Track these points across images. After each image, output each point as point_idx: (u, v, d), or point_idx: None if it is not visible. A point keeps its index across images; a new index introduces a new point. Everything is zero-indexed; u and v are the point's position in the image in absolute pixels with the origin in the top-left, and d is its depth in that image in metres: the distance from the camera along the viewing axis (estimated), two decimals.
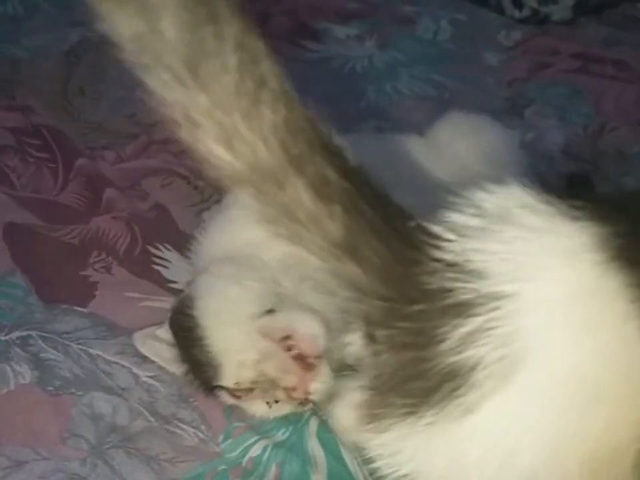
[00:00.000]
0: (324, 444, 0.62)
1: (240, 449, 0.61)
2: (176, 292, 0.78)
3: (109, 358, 0.69)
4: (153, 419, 0.64)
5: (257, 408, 0.62)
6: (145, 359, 0.69)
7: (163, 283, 0.80)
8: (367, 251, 0.40)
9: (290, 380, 0.58)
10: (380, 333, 0.41)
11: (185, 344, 0.64)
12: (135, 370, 0.68)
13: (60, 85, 1.29)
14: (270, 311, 0.61)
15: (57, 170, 1.00)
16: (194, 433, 0.63)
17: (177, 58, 0.39)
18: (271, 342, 0.60)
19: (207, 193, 1.00)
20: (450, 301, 0.38)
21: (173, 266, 0.82)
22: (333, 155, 0.42)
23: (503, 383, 0.37)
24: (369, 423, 0.42)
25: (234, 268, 0.65)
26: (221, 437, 0.62)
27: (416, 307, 0.39)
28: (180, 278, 0.80)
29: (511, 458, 0.38)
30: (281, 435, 0.62)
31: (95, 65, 1.38)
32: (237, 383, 0.61)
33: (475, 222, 0.40)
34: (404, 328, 0.40)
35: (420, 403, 0.39)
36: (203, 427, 0.63)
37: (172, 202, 0.98)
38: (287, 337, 0.59)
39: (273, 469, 0.60)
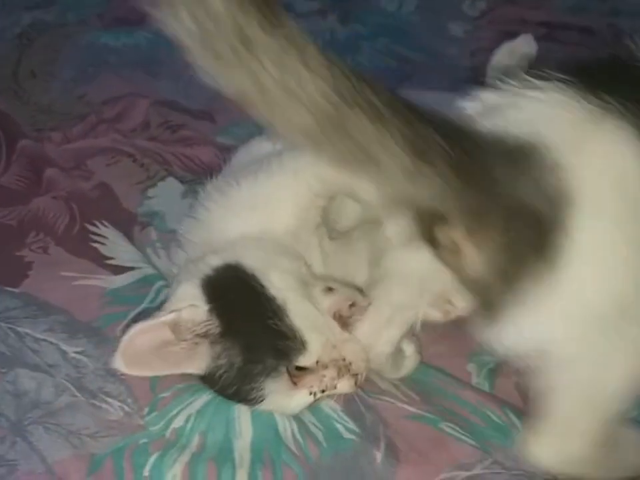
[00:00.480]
0: (251, 410, 0.61)
1: (164, 421, 0.60)
2: (113, 268, 0.78)
3: (37, 336, 0.68)
4: (79, 394, 0.62)
5: (301, 397, 0.60)
6: (73, 334, 0.68)
7: (100, 260, 0.79)
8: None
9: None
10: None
11: (251, 318, 0.59)
12: (63, 346, 0.67)
13: (11, 67, 1.27)
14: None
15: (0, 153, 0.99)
16: (120, 406, 0.62)
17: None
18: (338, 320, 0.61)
19: (153, 170, 1.00)
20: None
21: (109, 242, 0.81)
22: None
23: None
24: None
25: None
26: (146, 410, 0.61)
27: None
28: (117, 254, 0.79)
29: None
30: (206, 399, 0.61)
31: (47, 48, 1.36)
32: (317, 362, 0.59)
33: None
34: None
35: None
36: (129, 400, 0.62)
37: (117, 180, 0.97)
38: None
39: (196, 439, 0.59)
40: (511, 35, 1.50)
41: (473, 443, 0.61)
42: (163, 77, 1.30)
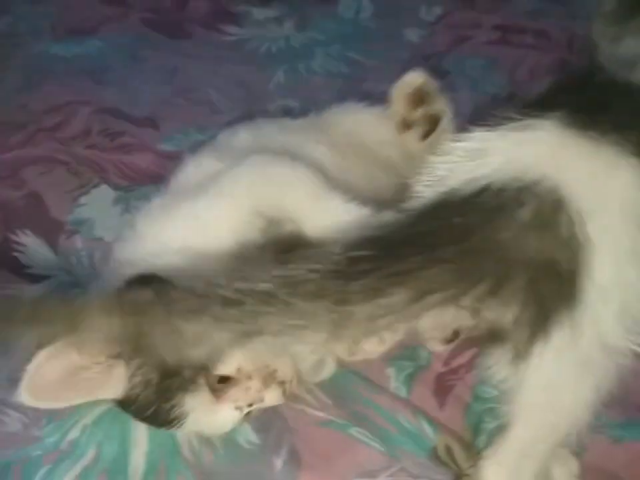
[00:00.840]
0: None
1: (60, 433, 0.59)
2: (30, 277, 0.77)
3: None
4: None
5: (226, 413, 0.57)
6: None
7: (18, 270, 0.78)
8: None
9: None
10: None
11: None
12: None
13: None
14: None
15: None
16: (19, 418, 0.60)
17: None
18: None
19: (87, 178, 0.99)
20: None
21: (29, 250, 0.80)
22: None
23: None
24: None
25: None
26: (44, 421, 0.60)
27: None
28: (35, 262, 0.78)
29: None
30: (104, 408, 0.59)
31: None
32: (239, 371, 0.56)
33: None
34: None
35: None
36: (29, 412, 0.60)
37: (48, 189, 0.95)
38: None
39: (91, 451, 0.57)
40: (466, 39, 1.51)
41: (382, 449, 0.59)
42: (109, 85, 1.30)
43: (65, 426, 0.59)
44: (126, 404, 0.56)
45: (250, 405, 0.57)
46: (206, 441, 0.59)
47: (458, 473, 0.58)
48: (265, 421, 0.62)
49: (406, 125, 0.79)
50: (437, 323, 0.61)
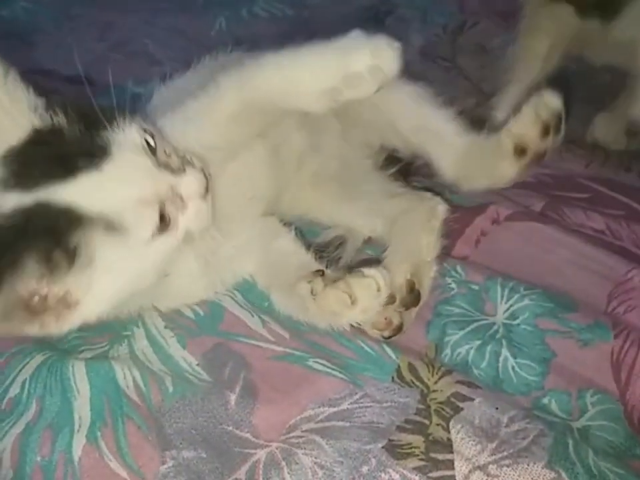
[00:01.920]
0: (87, 364, 0.56)
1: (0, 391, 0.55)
2: None
3: None
4: None
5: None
6: None
7: None
8: None
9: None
10: None
11: None
12: None
13: None
14: None
15: None
16: None
17: None
18: None
19: None
20: None
21: None
22: None
23: None
24: None
25: None
26: None
27: None
28: None
29: None
30: (39, 360, 0.56)
31: None
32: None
33: None
34: None
35: None
36: None
37: None
38: None
39: (34, 405, 0.54)
40: None
41: (342, 377, 0.57)
42: (40, 45, 1.23)
43: (4, 384, 0.55)
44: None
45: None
46: (153, 376, 0.56)
47: (424, 390, 0.56)
48: (217, 360, 0.59)
49: (521, 151, 0.67)
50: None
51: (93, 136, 0.51)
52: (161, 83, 0.83)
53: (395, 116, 0.76)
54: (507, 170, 0.69)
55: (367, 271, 0.58)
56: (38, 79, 1.08)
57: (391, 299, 0.60)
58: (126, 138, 0.53)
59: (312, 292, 0.58)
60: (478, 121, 1.00)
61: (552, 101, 0.66)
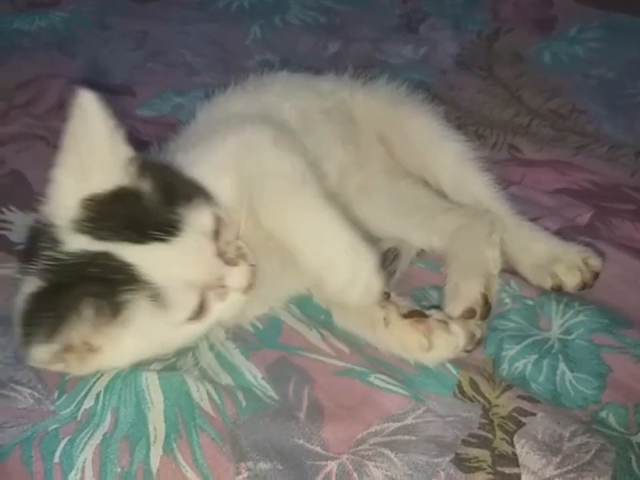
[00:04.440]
0: (160, 376, 0.58)
1: (74, 404, 0.57)
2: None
3: None
4: None
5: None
6: None
7: (8, 248, 0.75)
8: None
9: None
10: None
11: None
12: None
13: None
14: None
15: None
16: (30, 393, 0.58)
17: None
18: None
19: None
20: None
21: (16, 227, 0.77)
22: None
23: None
24: None
25: None
26: (56, 394, 0.58)
27: None
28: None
29: None
30: (112, 373, 0.58)
31: None
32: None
33: None
34: None
35: None
36: (39, 386, 0.59)
37: (30, 166, 0.92)
38: None
39: (109, 417, 0.56)
40: None
41: (404, 392, 0.58)
42: (79, 56, 1.25)
43: (78, 396, 0.57)
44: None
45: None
46: (225, 390, 0.58)
47: (486, 404, 0.57)
48: (281, 374, 0.60)
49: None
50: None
51: (170, 210, 0.55)
52: (203, 99, 0.85)
53: (438, 171, 0.79)
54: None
55: (453, 327, 0.60)
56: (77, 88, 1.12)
57: (472, 313, 0.62)
58: (198, 220, 0.56)
59: (385, 320, 0.60)
60: (519, 131, 1.01)
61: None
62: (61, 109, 1.07)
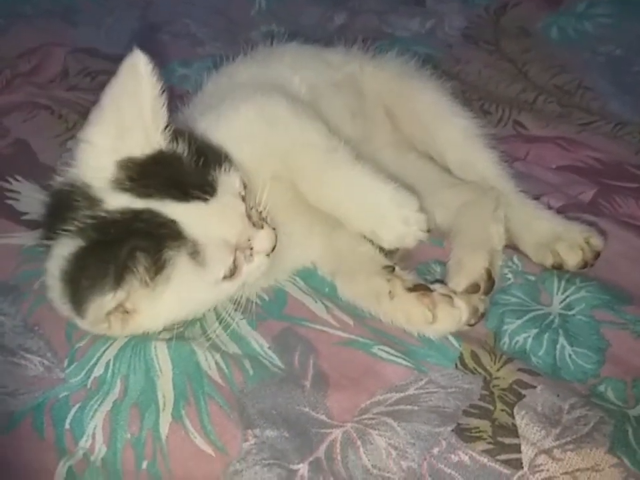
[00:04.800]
0: (169, 345, 0.59)
1: (84, 371, 0.58)
2: (29, 223, 0.74)
3: None
4: None
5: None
6: None
7: (16, 217, 0.75)
8: None
9: None
10: None
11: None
12: None
13: None
14: None
15: None
16: (40, 361, 0.59)
17: None
18: None
19: (72, 120, 0.95)
20: None
21: (23, 197, 0.77)
22: None
23: None
24: None
25: None
26: (66, 362, 0.59)
27: None
28: (32, 208, 0.75)
29: None
30: (122, 342, 0.59)
31: None
32: None
33: None
34: None
35: None
36: (49, 354, 0.60)
37: (34, 135, 0.91)
38: None
39: (118, 384, 0.57)
40: None
41: (407, 364, 0.60)
42: (81, 24, 1.23)
43: (88, 365, 0.58)
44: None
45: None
46: (232, 359, 0.59)
47: (487, 377, 0.59)
48: (286, 344, 0.61)
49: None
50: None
51: (205, 172, 0.57)
52: (211, 69, 0.84)
53: (444, 147, 0.79)
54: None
55: (457, 301, 0.61)
56: (83, 58, 1.11)
57: (475, 288, 0.63)
58: (229, 182, 0.58)
59: (390, 293, 0.61)
60: (524, 107, 1.01)
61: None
62: (66, 78, 1.06)
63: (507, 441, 0.53)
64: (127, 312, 0.55)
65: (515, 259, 0.70)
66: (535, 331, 0.63)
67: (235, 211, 0.57)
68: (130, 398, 0.56)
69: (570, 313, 0.65)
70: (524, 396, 0.56)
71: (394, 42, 1.10)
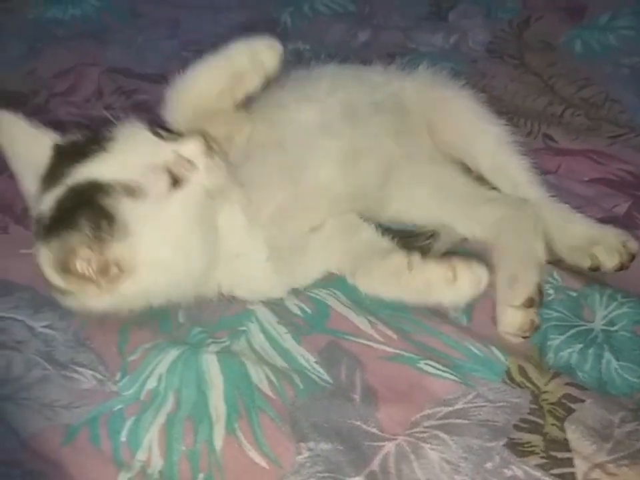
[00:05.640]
0: (219, 359, 0.60)
1: (137, 384, 0.59)
2: None
3: (2, 314, 0.66)
4: (50, 367, 0.61)
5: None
6: (38, 309, 0.67)
7: None
8: None
9: None
10: None
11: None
12: (30, 322, 0.65)
13: None
14: None
15: None
16: (92, 375, 0.61)
17: None
18: None
19: None
20: None
21: None
22: None
23: None
24: None
25: None
26: (118, 375, 0.60)
27: None
28: None
29: None
30: (174, 355, 0.60)
31: None
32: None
33: None
34: None
35: None
36: (100, 368, 0.61)
37: None
38: None
39: (171, 398, 0.58)
40: None
41: (454, 378, 0.60)
42: (113, 44, 1.26)
43: (140, 378, 0.60)
44: None
45: None
46: (282, 373, 0.60)
47: (535, 391, 0.59)
48: (332, 358, 0.62)
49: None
50: None
51: (100, 134, 0.62)
52: None
53: (478, 154, 0.81)
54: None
55: (476, 267, 0.62)
56: (117, 77, 1.14)
57: (531, 302, 0.65)
58: (130, 128, 0.63)
59: (408, 264, 0.63)
60: (552, 120, 1.02)
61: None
62: (101, 97, 1.09)
63: (560, 455, 0.53)
64: (120, 271, 0.58)
65: (555, 275, 0.71)
66: (579, 346, 0.64)
67: (139, 140, 0.61)
68: (183, 411, 0.57)
69: (613, 329, 0.65)
70: (574, 410, 0.57)
71: (420, 57, 1.12)
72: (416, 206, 0.77)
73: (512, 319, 0.64)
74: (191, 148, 0.62)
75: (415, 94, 0.82)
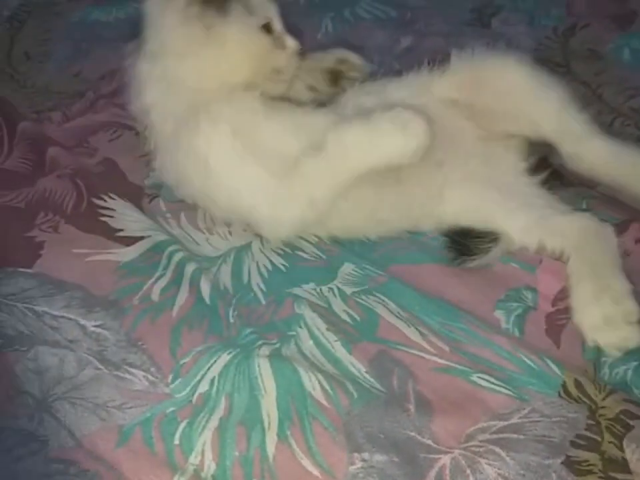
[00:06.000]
0: (272, 364, 0.60)
1: (189, 387, 0.59)
2: (123, 240, 0.77)
3: (55, 313, 0.67)
4: (102, 367, 0.62)
5: None
6: (91, 309, 0.67)
7: (110, 234, 0.78)
8: None
9: None
10: None
11: None
12: (82, 321, 0.66)
13: (4, 51, 1.25)
14: None
15: (1, 138, 0.97)
16: (144, 376, 0.61)
17: None
18: None
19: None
20: None
21: (117, 214, 0.80)
22: None
23: None
24: None
25: None
26: (170, 377, 0.61)
27: None
28: (126, 225, 0.78)
29: None
30: (226, 360, 0.60)
31: (38, 28, 1.33)
32: None
33: None
34: None
35: None
36: (152, 369, 0.62)
37: (121, 155, 0.95)
38: None
39: (223, 402, 0.58)
40: None
41: (508, 392, 0.59)
42: None
43: (192, 381, 0.60)
44: None
45: None
46: (335, 381, 0.59)
47: (592, 406, 0.58)
48: (383, 367, 0.62)
49: None
50: None
51: None
52: None
53: (539, 117, 0.80)
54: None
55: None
56: None
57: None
58: None
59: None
60: (602, 130, 1.00)
61: None
62: None
63: (620, 476, 0.52)
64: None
65: None
66: (634, 363, 0.62)
67: None
68: (235, 416, 0.57)
69: None
70: (632, 427, 0.55)
71: None
72: (479, 207, 0.76)
73: (629, 334, 0.63)
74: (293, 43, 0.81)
75: (447, 87, 0.82)
